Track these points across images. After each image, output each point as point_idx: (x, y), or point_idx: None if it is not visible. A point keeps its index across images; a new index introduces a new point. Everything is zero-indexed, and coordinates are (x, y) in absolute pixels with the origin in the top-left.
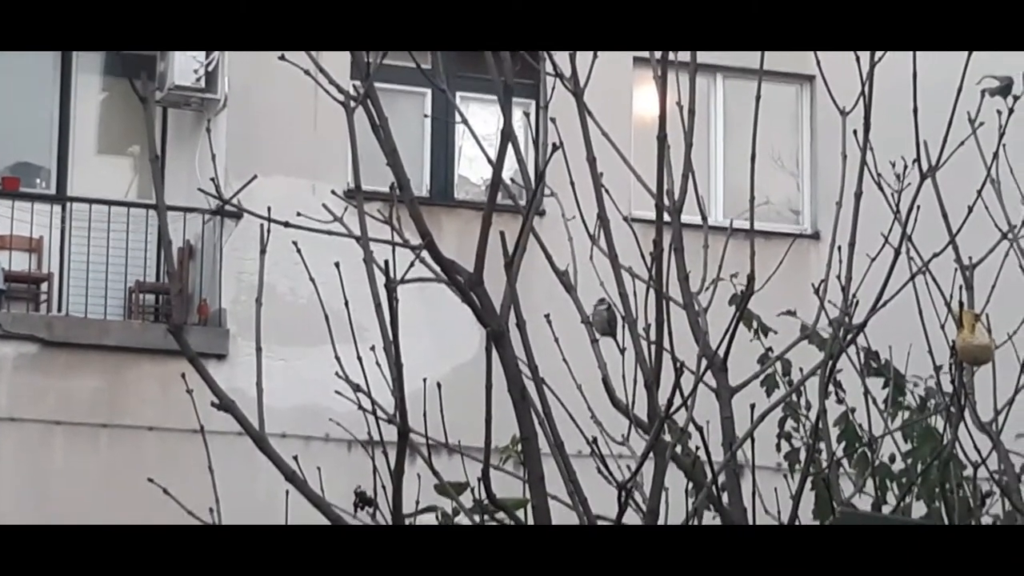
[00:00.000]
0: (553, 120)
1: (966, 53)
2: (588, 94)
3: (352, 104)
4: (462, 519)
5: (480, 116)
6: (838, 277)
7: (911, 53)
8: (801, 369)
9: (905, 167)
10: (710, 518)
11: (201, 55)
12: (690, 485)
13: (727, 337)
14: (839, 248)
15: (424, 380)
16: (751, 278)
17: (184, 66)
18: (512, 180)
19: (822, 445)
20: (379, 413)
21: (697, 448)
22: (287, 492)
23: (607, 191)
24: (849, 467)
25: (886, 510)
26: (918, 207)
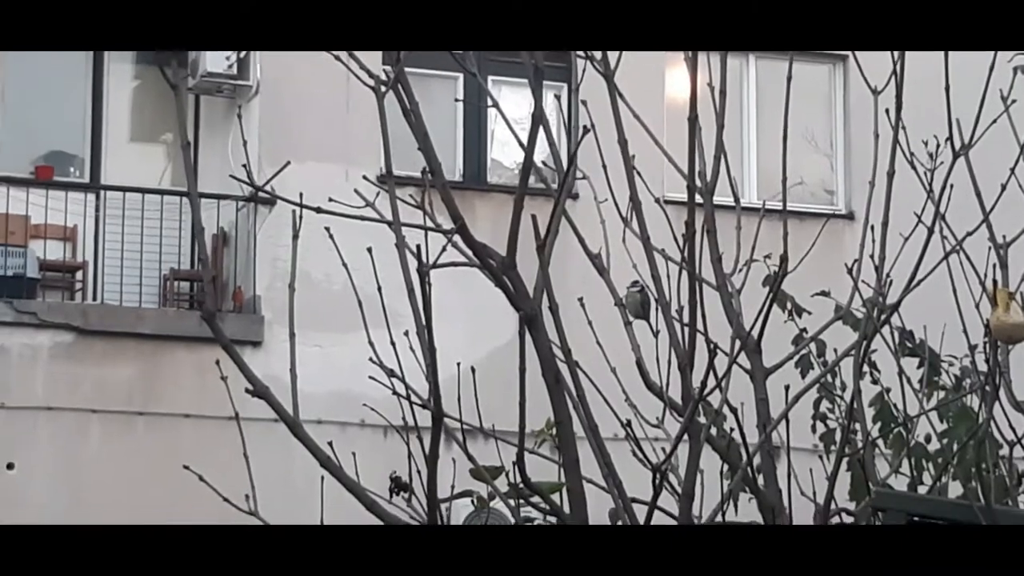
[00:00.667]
0: (584, 103)
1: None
2: (619, 76)
3: (383, 89)
4: (497, 503)
5: (512, 100)
6: (872, 257)
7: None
8: (836, 350)
9: (938, 146)
10: (745, 500)
11: None
12: (725, 467)
13: (761, 318)
14: (872, 228)
15: (458, 365)
16: (784, 259)
17: (216, 53)
18: (544, 163)
19: (857, 426)
20: (413, 398)
21: (732, 430)
22: (322, 478)
23: (639, 173)
24: (885, 447)
25: (922, 490)
26: (951, 186)
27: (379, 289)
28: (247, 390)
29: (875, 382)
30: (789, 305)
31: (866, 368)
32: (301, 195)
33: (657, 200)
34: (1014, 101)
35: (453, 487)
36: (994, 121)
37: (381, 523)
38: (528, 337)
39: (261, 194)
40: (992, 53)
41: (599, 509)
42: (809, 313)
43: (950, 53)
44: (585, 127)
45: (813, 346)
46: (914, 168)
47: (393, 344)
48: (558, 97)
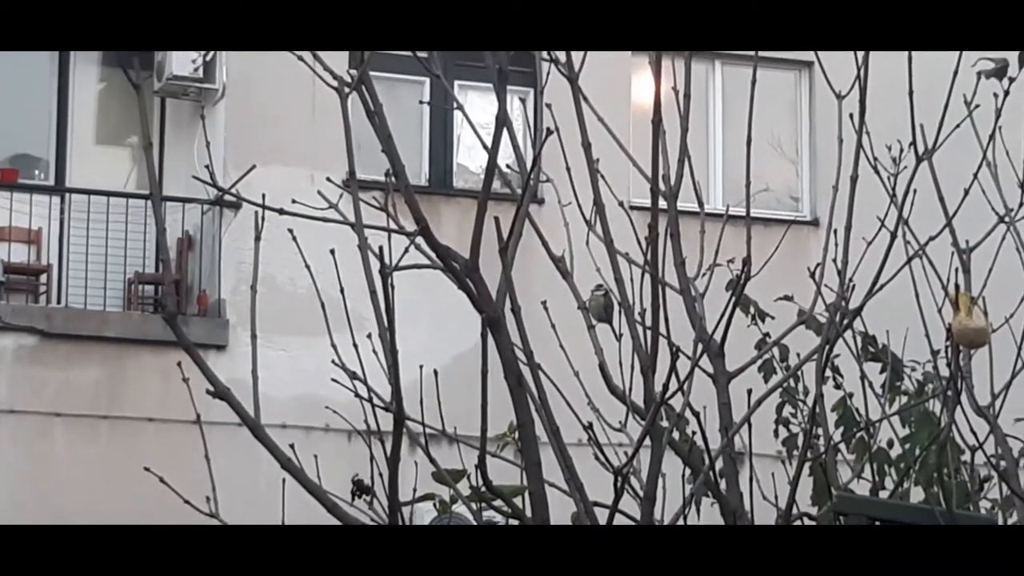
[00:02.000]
0: (549, 106)
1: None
2: (585, 80)
3: (346, 90)
4: (459, 507)
5: (478, 104)
6: (834, 261)
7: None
8: (798, 354)
9: (901, 151)
10: (708, 504)
11: None
12: (687, 471)
13: (724, 322)
14: (836, 232)
15: (421, 368)
16: (747, 263)
17: (182, 56)
18: (508, 167)
19: (820, 430)
20: (376, 401)
21: (694, 434)
22: (284, 481)
23: (603, 177)
24: (847, 452)
25: (884, 495)
26: (914, 191)
27: (342, 292)
28: (208, 391)
29: (838, 387)
30: (752, 310)
31: (828, 373)
32: (264, 196)
33: (621, 204)
34: (977, 106)
35: (415, 490)
36: (957, 126)
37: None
38: (491, 340)
39: (226, 197)
40: (955, 58)
41: (561, 513)
42: (772, 318)
43: (914, 58)
44: (549, 129)
45: (776, 351)
46: (877, 173)
47: (356, 347)
48: (523, 101)
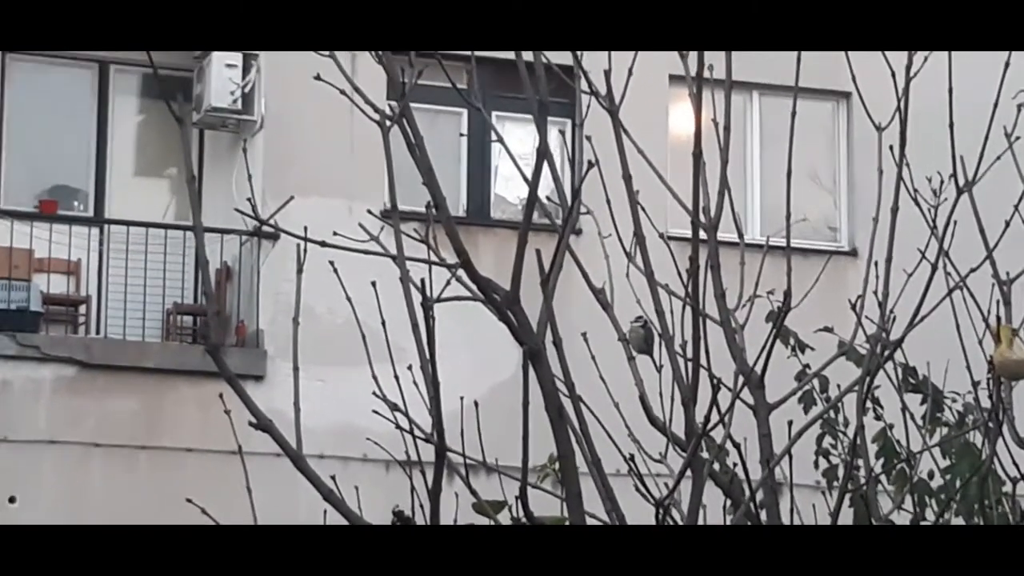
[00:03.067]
0: (588, 138)
1: (1002, 68)
2: (624, 112)
3: (388, 123)
4: None
5: (516, 135)
6: (875, 293)
7: (947, 68)
8: (839, 386)
9: (942, 182)
10: None
11: (237, 76)
12: (728, 502)
13: (764, 354)
14: (876, 264)
15: (461, 399)
16: (787, 294)
17: (221, 88)
18: (548, 199)
19: (860, 461)
20: (416, 432)
21: (735, 465)
22: (325, 512)
23: (643, 209)
24: (887, 483)
25: None
26: (955, 222)
27: (383, 323)
28: (250, 423)
29: (878, 418)
30: (792, 341)
31: (869, 404)
32: (306, 229)
33: (661, 235)
34: (1018, 138)
35: (456, 521)
36: (998, 158)
37: None
38: (531, 371)
39: (265, 228)
40: (995, 90)
41: None
42: (812, 349)
43: (953, 90)
44: (590, 162)
45: (816, 382)
46: (918, 204)
47: (396, 378)
48: (562, 132)
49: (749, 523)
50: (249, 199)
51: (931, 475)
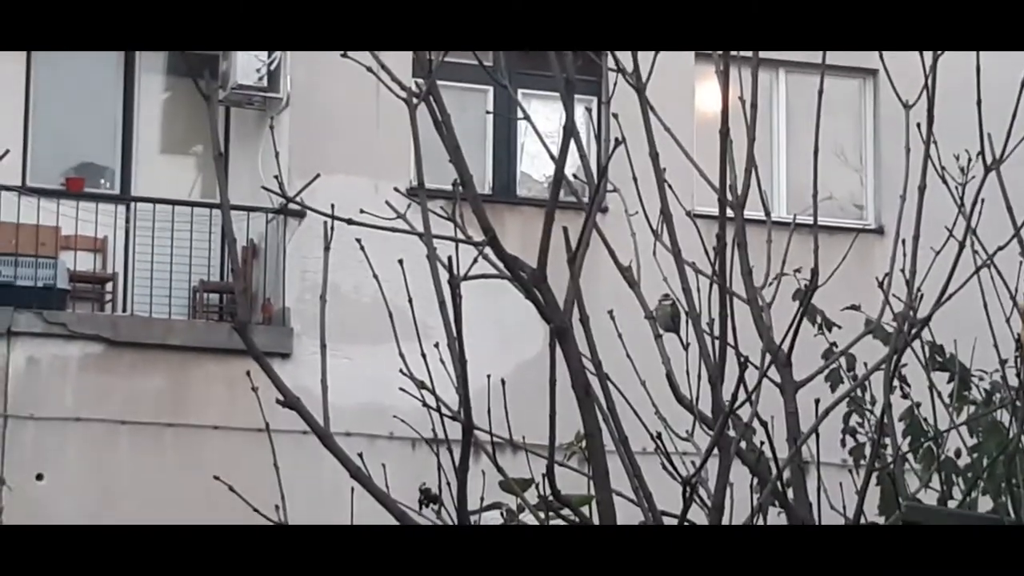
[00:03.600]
0: (615, 116)
1: None
2: (650, 90)
3: (415, 101)
4: (527, 516)
5: (542, 113)
6: (902, 271)
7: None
8: (866, 364)
9: (969, 160)
10: (775, 514)
11: (263, 54)
12: (755, 481)
13: (791, 332)
14: (903, 242)
15: (488, 377)
16: (815, 272)
17: (247, 65)
18: (575, 176)
19: (887, 440)
20: (443, 410)
21: (762, 443)
22: (352, 489)
23: (670, 186)
24: (914, 462)
25: (952, 505)
26: (982, 200)
27: (410, 301)
28: (278, 401)
29: (905, 396)
30: (819, 319)
31: (896, 382)
32: (332, 206)
33: (688, 213)
34: None
35: (482, 499)
36: None
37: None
38: (558, 349)
39: (291, 206)
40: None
41: (628, 522)
42: (839, 327)
43: (981, 67)
44: (617, 139)
45: (843, 360)
46: (945, 182)
47: (423, 356)
48: (588, 110)
49: (776, 501)
50: (276, 176)
51: (958, 453)
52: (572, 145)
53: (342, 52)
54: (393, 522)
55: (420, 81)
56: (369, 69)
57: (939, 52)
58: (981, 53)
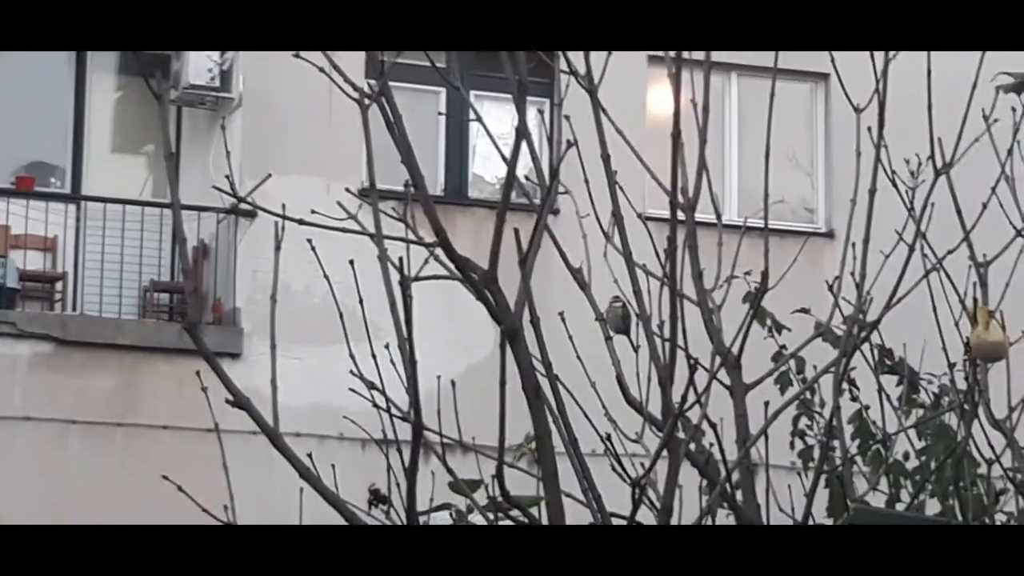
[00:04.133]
0: (567, 118)
1: (980, 51)
2: (602, 92)
3: (367, 102)
4: (476, 517)
5: (495, 115)
6: (852, 274)
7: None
8: (815, 367)
9: (919, 164)
10: (724, 516)
11: (216, 54)
12: (704, 482)
13: (741, 334)
14: (853, 245)
15: (438, 378)
16: (765, 275)
17: (199, 65)
18: (527, 178)
19: (836, 442)
20: (393, 411)
21: (711, 445)
22: (301, 490)
23: (621, 189)
24: (863, 464)
25: (900, 507)
26: (932, 204)
27: (360, 302)
28: (227, 400)
29: (854, 399)
30: (769, 322)
31: (845, 385)
32: (284, 206)
33: (639, 215)
34: (996, 120)
35: (432, 500)
36: (976, 140)
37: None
38: (509, 351)
39: (242, 206)
40: (974, 72)
41: (578, 523)
42: (789, 330)
43: (932, 72)
44: (568, 141)
45: (793, 363)
46: (895, 186)
47: (374, 356)
48: (541, 112)
49: (725, 503)
50: (227, 176)
51: (906, 456)
52: (524, 147)
53: (294, 52)
54: (342, 522)
55: (372, 82)
56: (321, 70)
57: (891, 56)
58: (932, 57)
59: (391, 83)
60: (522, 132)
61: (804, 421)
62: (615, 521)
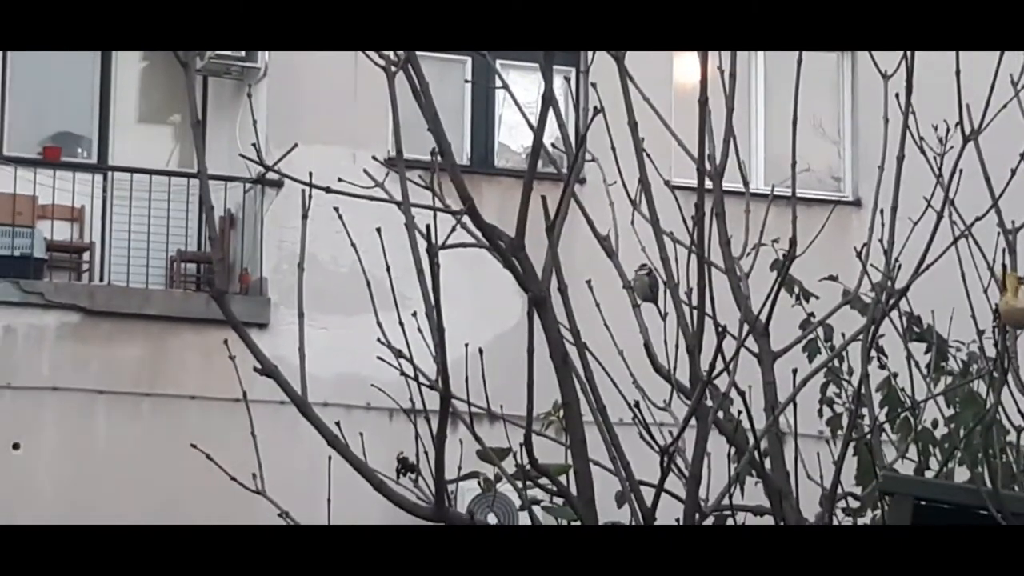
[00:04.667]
0: (594, 85)
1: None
2: (629, 60)
3: (393, 70)
4: (504, 485)
5: (520, 83)
6: (880, 241)
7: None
8: (843, 334)
9: (948, 131)
10: (752, 483)
11: None
12: (732, 450)
13: (769, 302)
14: (880, 212)
15: (466, 346)
16: (792, 242)
17: None
18: (553, 146)
19: (864, 410)
20: (421, 380)
21: (739, 413)
22: (329, 459)
23: (648, 156)
24: (891, 432)
25: (928, 475)
26: (960, 171)
27: (388, 270)
28: (255, 369)
29: (882, 367)
30: (797, 289)
31: (873, 353)
32: (311, 174)
33: (666, 183)
34: None
35: (460, 468)
36: (1004, 106)
37: (388, 503)
38: (536, 319)
39: (269, 176)
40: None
41: (606, 491)
42: (817, 298)
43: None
44: (595, 108)
45: (821, 330)
46: (923, 153)
47: (401, 325)
48: (567, 79)
49: (753, 471)
50: (253, 144)
51: (935, 424)
52: (551, 115)
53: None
54: (370, 491)
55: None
56: None
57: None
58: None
59: (417, 52)
60: (548, 99)
61: (832, 389)
62: (643, 489)
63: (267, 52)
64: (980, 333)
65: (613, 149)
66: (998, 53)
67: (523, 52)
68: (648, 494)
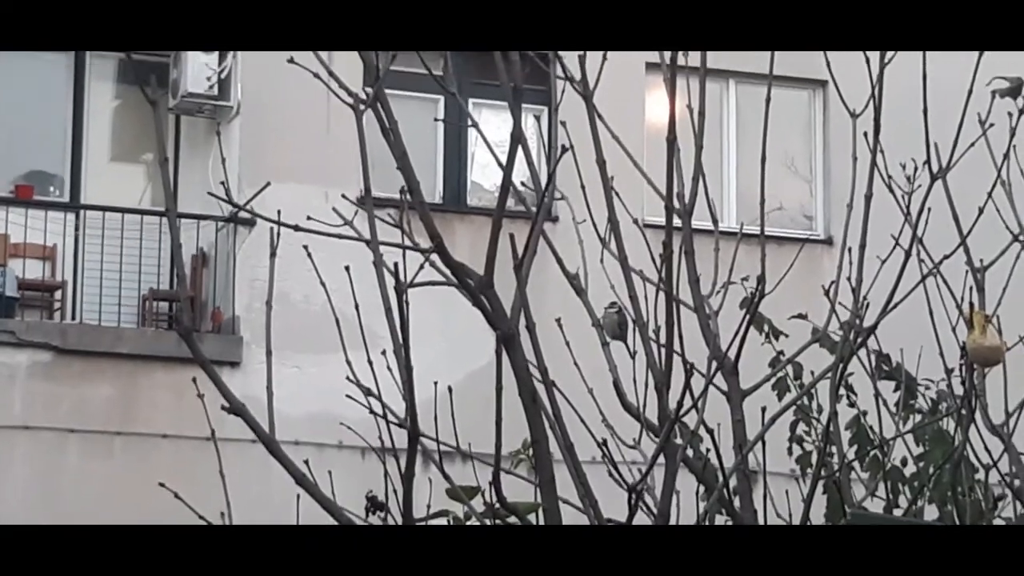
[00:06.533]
0: (563, 124)
1: (976, 55)
2: (599, 99)
3: (361, 107)
4: (473, 523)
5: (492, 123)
6: (849, 279)
7: (921, 55)
8: (812, 372)
9: (916, 169)
10: (721, 522)
11: (214, 62)
12: (701, 488)
13: (738, 340)
14: (849, 250)
15: (435, 384)
16: (761, 280)
17: (197, 73)
18: (523, 184)
19: (833, 448)
20: (391, 418)
21: (708, 451)
22: (298, 497)
23: (618, 195)
24: (861, 470)
25: (897, 513)
26: (929, 209)
27: (357, 309)
28: (223, 407)
29: (852, 405)
30: (766, 327)
31: (842, 391)
32: (279, 212)
33: (635, 221)
34: (991, 125)
35: (429, 507)
36: (972, 145)
37: None
38: (505, 357)
39: (241, 214)
40: (970, 76)
41: None
42: (786, 336)
43: (928, 77)
44: (564, 147)
45: (790, 368)
46: (892, 191)
47: (371, 363)
48: (538, 118)
49: (722, 509)
50: (222, 183)
51: (904, 462)
52: (520, 153)
53: (290, 57)
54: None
55: (369, 90)
56: (316, 75)
57: (887, 59)
58: (928, 62)
59: (388, 91)
60: (517, 137)
61: (802, 427)
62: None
63: (239, 91)
64: (948, 371)
65: (583, 188)
66: (966, 92)
67: (494, 91)
68: None
